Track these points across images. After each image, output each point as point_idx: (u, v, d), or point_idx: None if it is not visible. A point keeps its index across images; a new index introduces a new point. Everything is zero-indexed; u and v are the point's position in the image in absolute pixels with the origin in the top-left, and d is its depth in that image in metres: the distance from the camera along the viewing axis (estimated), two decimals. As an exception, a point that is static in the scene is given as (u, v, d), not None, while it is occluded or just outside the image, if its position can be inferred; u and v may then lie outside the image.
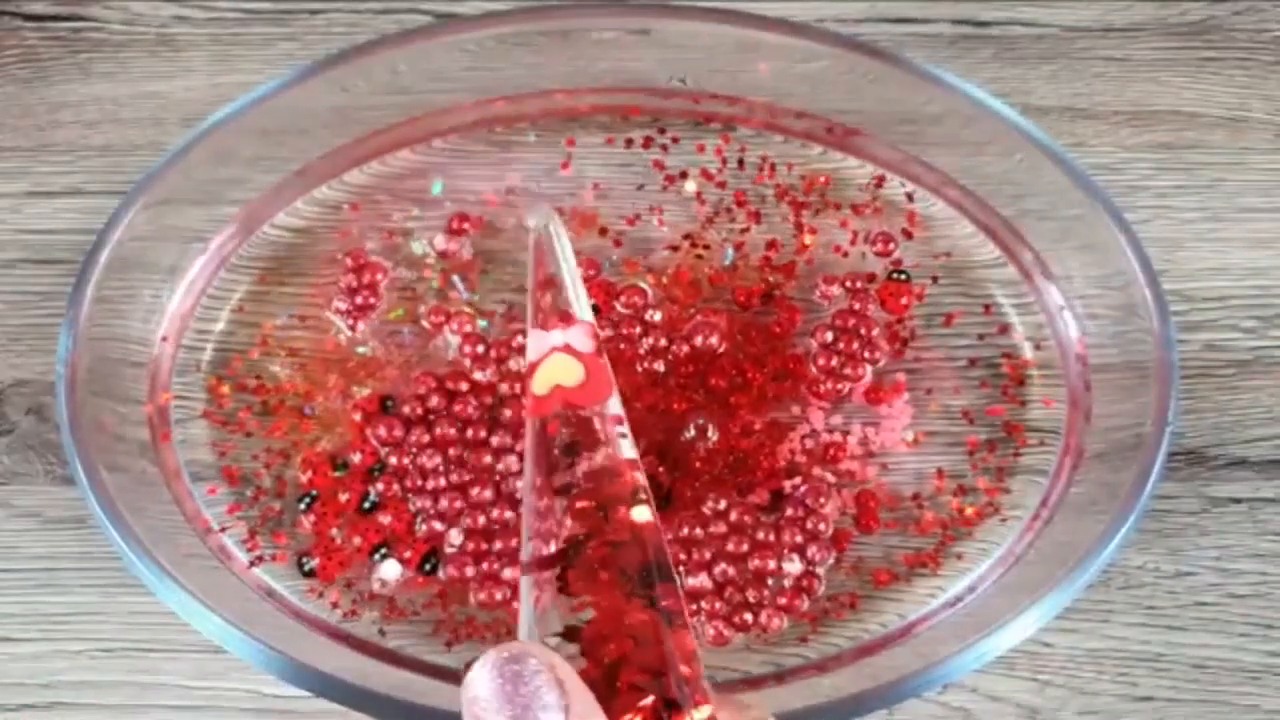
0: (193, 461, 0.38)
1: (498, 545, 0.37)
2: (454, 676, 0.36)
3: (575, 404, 0.30)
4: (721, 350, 0.39)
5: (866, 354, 0.40)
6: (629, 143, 0.43)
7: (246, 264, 0.41)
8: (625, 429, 0.31)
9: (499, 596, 0.37)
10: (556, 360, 0.31)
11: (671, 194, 0.42)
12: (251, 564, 0.37)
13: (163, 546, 0.34)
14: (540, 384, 0.31)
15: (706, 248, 0.41)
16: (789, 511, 0.38)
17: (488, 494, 0.37)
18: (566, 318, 0.32)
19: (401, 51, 0.40)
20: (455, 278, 0.40)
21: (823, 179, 0.42)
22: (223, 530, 0.37)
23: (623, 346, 0.39)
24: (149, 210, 0.38)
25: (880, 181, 0.42)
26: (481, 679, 0.22)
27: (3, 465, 0.39)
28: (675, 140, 0.43)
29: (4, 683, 0.37)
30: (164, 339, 0.39)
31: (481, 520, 0.37)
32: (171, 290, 0.40)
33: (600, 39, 0.41)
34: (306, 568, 0.37)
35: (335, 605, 0.37)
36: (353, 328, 0.40)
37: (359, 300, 0.40)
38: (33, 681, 0.37)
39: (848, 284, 0.40)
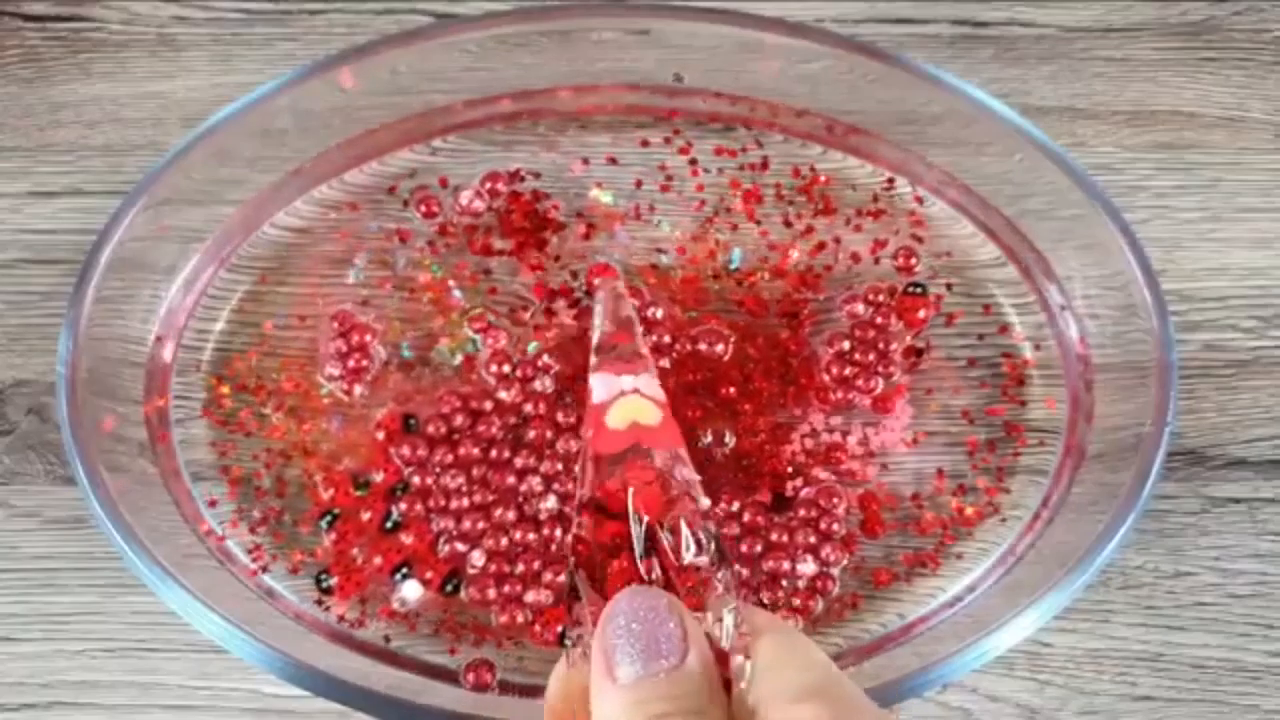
0: (193, 461, 0.38)
1: (520, 568, 0.37)
2: (453, 677, 0.36)
3: (650, 445, 0.31)
4: (728, 358, 0.39)
5: (881, 368, 0.39)
6: (644, 143, 0.43)
7: (246, 264, 0.41)
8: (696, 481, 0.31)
9: (520, 619, 0.36)
10: (634, 400, 0.32)
11: (674, 194, 0.42)
12: (255, 573, 0.37)
13: (163, 546, 0.34)
14: (616, 419, 0.32)
15: (711, 254, 0.41)
16: (802, 512, 0.38)
17: (510, 515, 0.37)
18: (634, 364, 0.34)
19: (401, 51, 0.40)
20: (455, 291, 0.40)
21: (823, 179, 0.42)
22: (223, 537, 0.37)
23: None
24: (149, 210, 0.38)
25: (891, 184, 0.42)
26: (618, 605, 0.24)
27: (3, 465, 0.39)
28: (676, 141, 0.43)
29: (4, 683, 0.37)
30: (164, 339, 0.39)
31: (504, 542, 0.37)
32: (171, 290, 0.40)
33: (600, 39, 0.41)
34: (325, 585, 0.37)
35: (342, 619, 0.37)
36: (348, 392, 0.39)
37: (351, 364, 0.39)
38: (33, 681, 0.37)
39: (869, 297, 0.40)
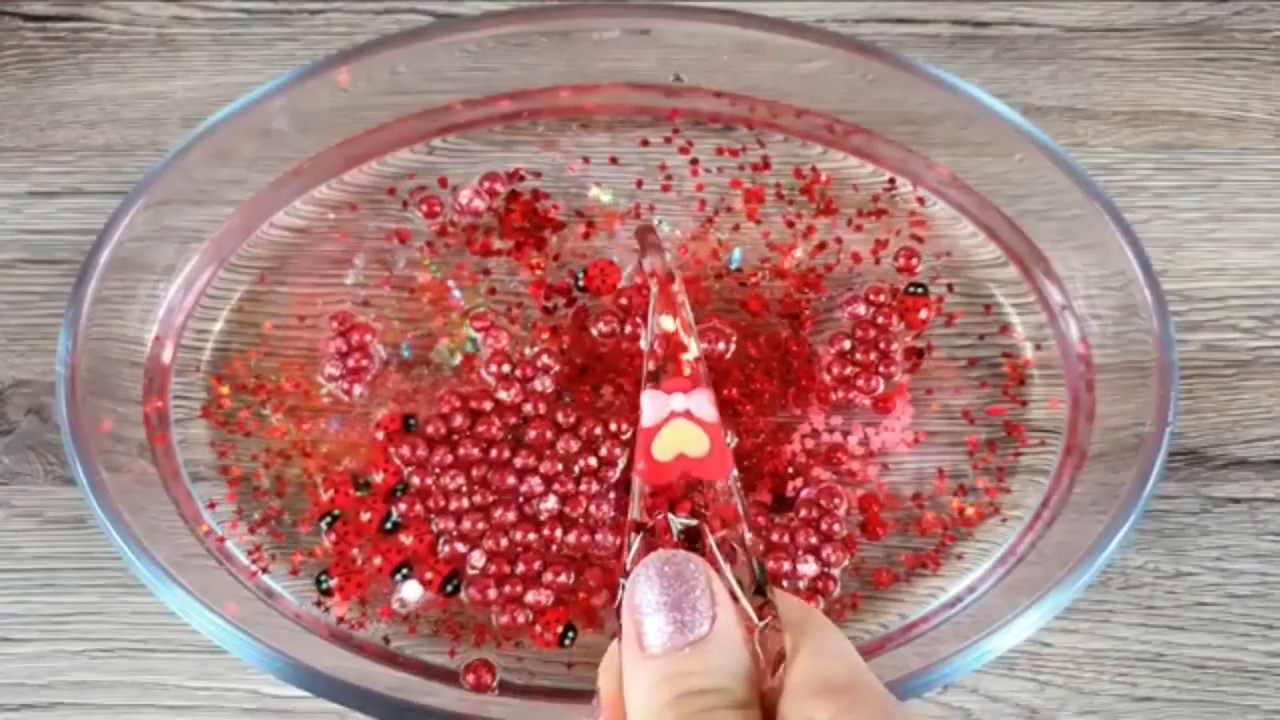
0: (192, 462, 0.38)
1: (520, 568, 0.37)
2: (453, 677, 0.36)
3: (699, 476, 0.30)
4: (729, 356, 0.39)
5: (882, 368, 0.39)
6: (644, 143, 0.43)
7: (246, 264, 0.41)
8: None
9: (521, 619, 0.36)
10: (681, 427, 0.31)
11: (674, 194, 0.42)
12: (255, 574, 0.37)
13: (163, 546, 0.34)
14: (662, 449, 0.31)
15: (712, 254, 0.41)
16: (803, 513, 0.38)
17: (510, 516, 0.37)
18: (688, 380, 0.32)
19: (401, 51, 0.40)
20: (455, 291, 0.40)
21: (824, 178, 0.42)
22: (222, 538, 0.37)
23: (625, 345, 0.39)
24: (149, 210, 0.38)
25: (892, 184, 0.42)
26: (646, 570, 0.24)
27: (3, 465, 0.39)
28: (677, 140, 0.43)
29: (4, 683, 0.37)
30: (163, 339, 0.39)
31: (504, 542, 0.37)
32: (170, 290, 0.40)
33: (600, 39, 0.41)
34: (325, 586, 0.37)
35: (341, 620, 0.37)
36: (348, 392, 0.39)
37: (351, 364, 0.39)
38: (33, 681, 0.37)
39: (870, 297, 0.40)
